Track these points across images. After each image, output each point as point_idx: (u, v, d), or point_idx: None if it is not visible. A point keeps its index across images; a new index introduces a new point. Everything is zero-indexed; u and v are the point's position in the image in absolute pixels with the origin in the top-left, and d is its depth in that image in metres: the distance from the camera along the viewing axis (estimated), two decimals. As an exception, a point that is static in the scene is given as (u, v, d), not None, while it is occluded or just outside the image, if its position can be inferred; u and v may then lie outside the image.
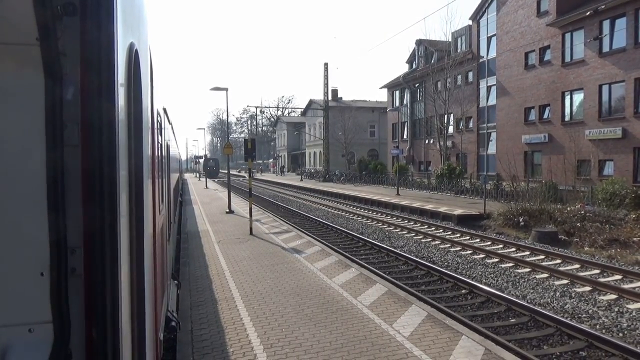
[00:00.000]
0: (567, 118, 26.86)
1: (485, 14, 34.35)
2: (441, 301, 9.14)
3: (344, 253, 12.95)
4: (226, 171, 25.36)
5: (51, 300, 1.56)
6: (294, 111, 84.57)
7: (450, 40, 38.09)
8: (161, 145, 4.80)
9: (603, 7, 23.29)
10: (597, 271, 11.23)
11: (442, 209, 21.21)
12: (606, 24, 24.06)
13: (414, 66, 46.19)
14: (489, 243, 15.11)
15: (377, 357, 5.61)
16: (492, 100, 33.72)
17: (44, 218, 1.56)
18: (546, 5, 28.00)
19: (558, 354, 6.72)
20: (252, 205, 16.53)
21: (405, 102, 46.33)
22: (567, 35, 26.68)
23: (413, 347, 5.87)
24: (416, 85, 44.11)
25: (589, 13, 24.21)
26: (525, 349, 6.75)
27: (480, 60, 34.84)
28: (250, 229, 15.15)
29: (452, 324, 6.68)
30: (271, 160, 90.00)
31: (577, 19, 25.35)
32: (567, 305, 8.89)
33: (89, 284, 1.56)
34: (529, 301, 9.13)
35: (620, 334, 7.53)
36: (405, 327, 6.55)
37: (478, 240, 15.68)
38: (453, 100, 34.70)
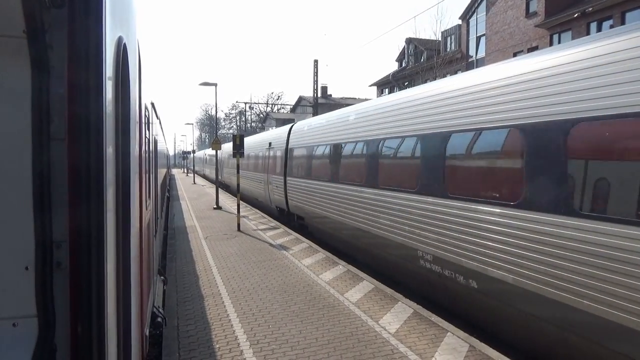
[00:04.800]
0: (553, 118, 27.10)
1: (475, 13, 34.53)
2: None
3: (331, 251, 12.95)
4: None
5: (36, 295, 1.55)
6: (283, 107, 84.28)
7: (439, 39, 38.24)
8: (149, 140, 4.77)
9: (590, 9, 23.57)
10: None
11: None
12: (593, 26, 24.34)
13: (403, 64, 46.32)
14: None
15: (363, 353, 5.65)
16: (481, 100, 33.90)
17: (29, 211, 1.55)
18: (535, 7, 28.24)
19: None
20: (240, 202, 16.48)
21: (394, 100, 46.39)
22: (555, 37, 26.94)
23: (399, 343, 5.91)
24: (405, 84, 44.21)
25: (576, 15, 24.48)
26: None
27: (470, 60, 35.04)
28: (238, 225, 15.11)
29: (438, 320, 6.73)
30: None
31: (565, 20, 25.62)
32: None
33: (74, 279, 1.55)
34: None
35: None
36: (392, 323, 6.59)
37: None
38: (442, 99, 34.81)
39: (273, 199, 18.06)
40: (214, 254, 11.38)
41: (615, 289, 4.34)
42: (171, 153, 75.48)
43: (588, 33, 24.43)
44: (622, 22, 22.55)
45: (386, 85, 47.64)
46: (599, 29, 24.00)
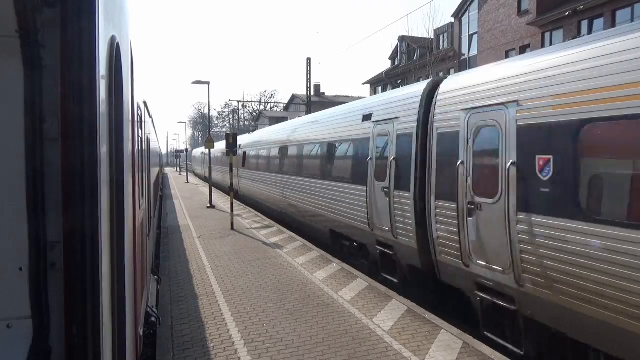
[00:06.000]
0: (545, 116, 27.29)
1: (467, 11, 34.63)
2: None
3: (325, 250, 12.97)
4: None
5: (30, 296, 1.54)
6: (276, 106, 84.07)
7: (432, 37, 38.35)
8: (141, 139, 4.76)
9: (582, 7, 23.72)
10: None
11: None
12: (584, 24, 24.52)
13: (396, 62, 46.39)
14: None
15: (357, 351, 5.66)
16: (473, 98, 34.02)
17: (23, 212, 1.54)
18: (527, 5, 28.39)
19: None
20: (234, 201, 16.45)
21: (387, 98, 46.46)
22: (547, 35, 27.11)
23: (393, 341, 5.94)
24: (398, 82, 44.30)
25: (568, 13, 24.64)
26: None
27: (462, 58, 35.15)
28: (232, 224, 15.08)
29: (432, 317, 6.77)
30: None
31: (556, 18, 25.78)
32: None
33: (69, 279, 1.54)
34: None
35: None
36: (386, 321, 6.62)
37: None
38: (435, 97, 34.88)
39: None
40: (208, 253, 11.36)
41: None
42: (164, 152, 75.09)
43: (579, 31, 24.60)
44: (613, 20, 22.74)
45: (379, 83, 47.70)
46: (590, 27, 24.18)
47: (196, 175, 58.20)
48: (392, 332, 6.24)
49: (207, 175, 26.58)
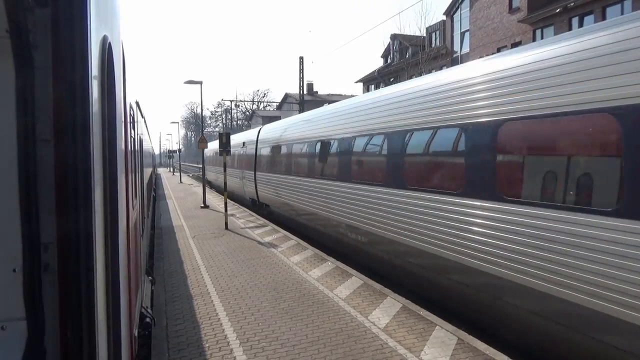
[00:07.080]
0: (537, 113, 27.45)
1: (459, 9, 34.74)
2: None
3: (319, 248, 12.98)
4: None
5: (24, 297, 1.53)
6: (269, 105, 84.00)
7: (424, 35, 38.43)
8: (134, 139, 4.74)
9: (572, 4, 23.89)
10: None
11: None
12: (575, 21, 24.68)
13: (388, 61, 46.47)
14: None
15: (353, 349, 5.68)
16: (466, 95, 34.12)
17: (16, 213, 1.54)
18: (518, 2, 28.54)
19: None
20: (227, 200, 16.43)
21: (380, 96, 46.49)
22: (538, 32, 27.26)
23: (388, 338, 5.96)
24: (391, 80, 44.37)
25: (558, 10, 24.79)
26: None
27: (454, 55, 35.26)
28: (226, 223, 15.06)
29: (426, 314, 6.80)
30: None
31: (547, 15, 25.95)
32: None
33: (63, 280, 1.53)
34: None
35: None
36: (381, 318, 6.64)
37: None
38: (427, 94, 34.95)
39: None
40: (202, 253, 11.34)
41: None
42: (157, 152, 74.76)
43: (570, 28, 24.78)
44: (603, 17, 22.90)
45: (372, 81, 47.75)
46: (581, 24, 24.35)
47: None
48: (388, 329, 6.27)
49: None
